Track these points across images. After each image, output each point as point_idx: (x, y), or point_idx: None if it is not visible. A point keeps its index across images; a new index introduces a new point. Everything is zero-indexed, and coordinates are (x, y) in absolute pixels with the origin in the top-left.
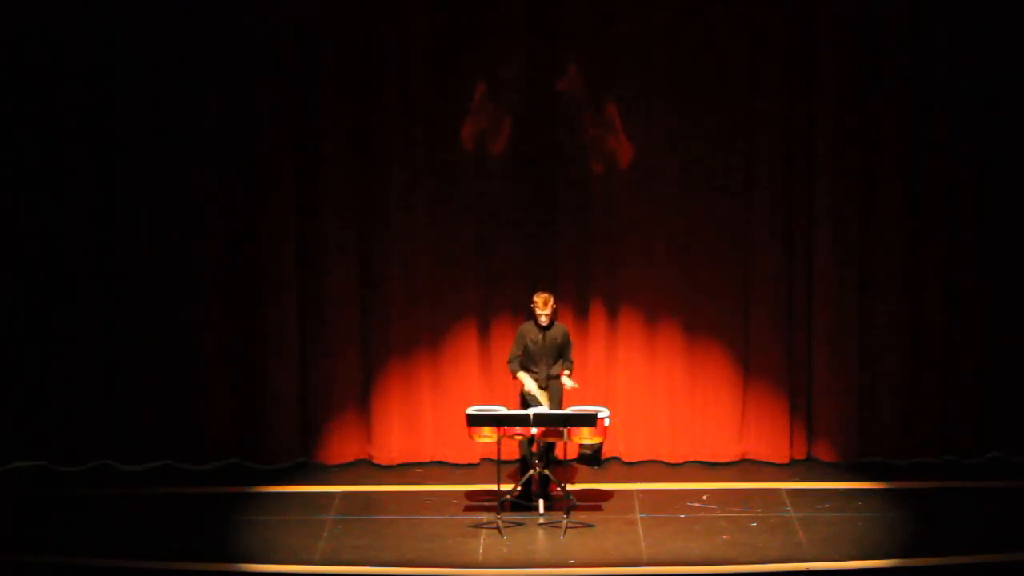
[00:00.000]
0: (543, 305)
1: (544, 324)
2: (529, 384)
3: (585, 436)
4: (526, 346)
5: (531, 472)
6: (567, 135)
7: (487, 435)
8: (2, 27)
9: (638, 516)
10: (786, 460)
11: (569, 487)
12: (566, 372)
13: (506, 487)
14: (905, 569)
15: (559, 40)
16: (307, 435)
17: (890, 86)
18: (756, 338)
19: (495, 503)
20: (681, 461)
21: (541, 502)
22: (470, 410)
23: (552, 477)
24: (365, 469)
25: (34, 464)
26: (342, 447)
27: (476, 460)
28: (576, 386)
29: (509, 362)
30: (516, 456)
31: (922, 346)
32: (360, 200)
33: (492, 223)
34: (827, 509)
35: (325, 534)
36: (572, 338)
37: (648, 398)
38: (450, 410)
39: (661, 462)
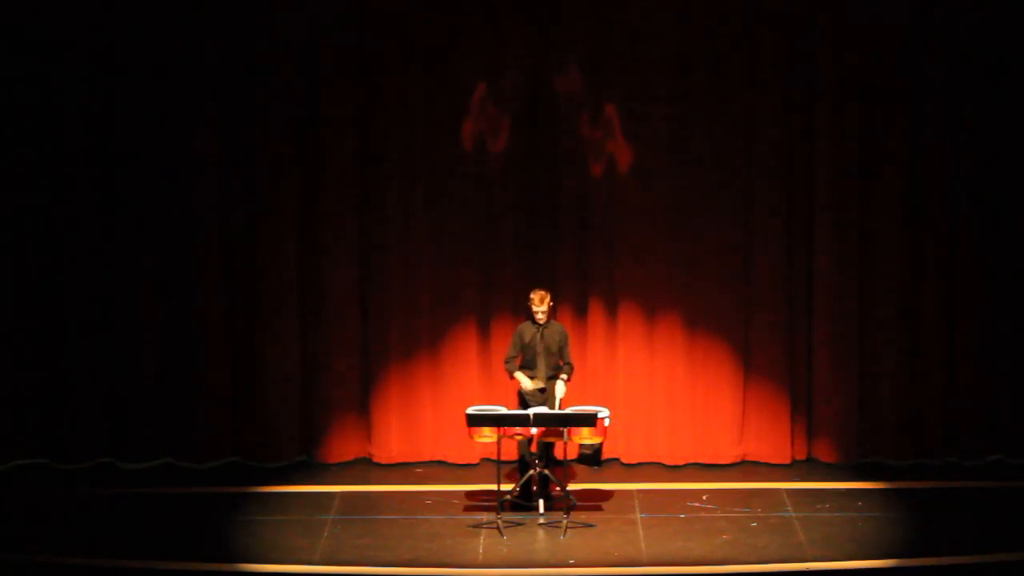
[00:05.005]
0: (539, 302)
1: (541, 321)
2: (525, 382)
3: (585, 436)
4: (523, 346)
5: (531, 472)
6: (566, 135)
7: (487, 435)
8: (4, 28)
9: (638, 516)
10: (787, 461)
11: (569, 487)
12: (563, 377)
13: (506, 487)
14: (905, 569)
15: (559, 41)
16: (307, 434)
17: (890, 86)
18: (756, 338)
19: (495, 503)
20: (681, 463)
21: (541, 502)
22: (470, 410)
23: (552, 477)
24: (365, 468)
25: (34, 462)
26: (342, 446)
27: (476, 460)
28: (562, 395)
29: (506, 362)
30: (516, 456)
31: (923, 347)
32: (360, 200)
33: (492, 223)
34: (827, 509)
35: (325, 534)
36: (572, 338)
37: (648, 399)
38: (450, 410)
39: (661, 464)
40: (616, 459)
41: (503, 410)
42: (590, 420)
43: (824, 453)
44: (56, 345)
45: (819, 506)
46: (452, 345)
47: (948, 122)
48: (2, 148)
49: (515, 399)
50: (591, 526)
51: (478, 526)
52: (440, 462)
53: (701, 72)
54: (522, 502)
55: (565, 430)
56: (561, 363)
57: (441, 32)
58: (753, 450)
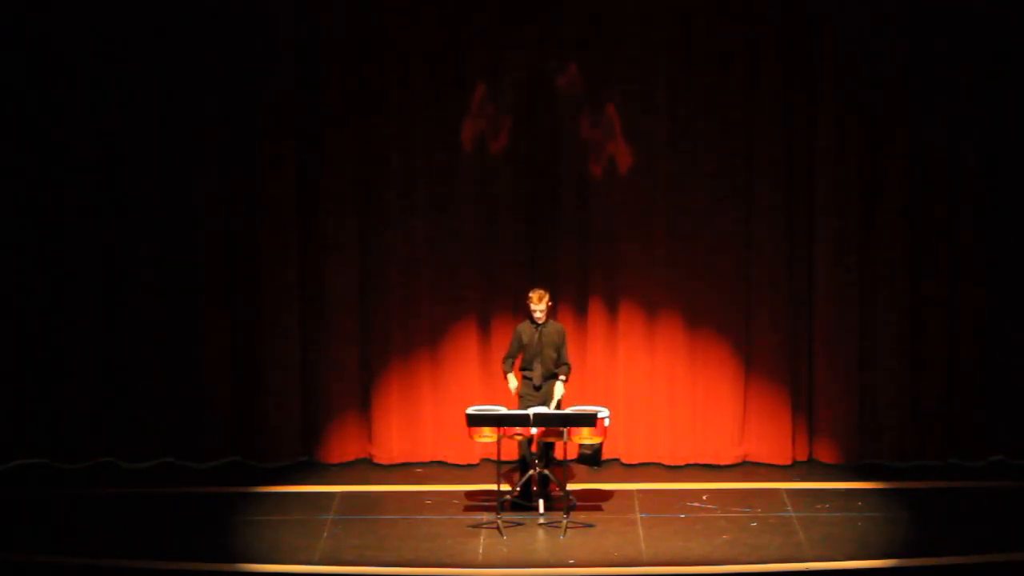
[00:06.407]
0: (537, 300)
1: (539, 321)
2: (511, 384)
3: (585, 436)
4: (521, 345)
5: (531, 472)
6: (567, 136)
7: (487, 435)
8: (3, 26)
9: (638, 516)
10: (788, 461)
11: (569, 487)
12: (561, 377)
13: (506, 487)
14: (905, 569)
15: (559, 41)
16: (308, 434)
17: (890, 86)
18: (757, 339)
19: (495, 503)
20: (682, 463)
21: (541, 502)
22: (470, 410)
23: (552, 477)
24: (365, 469)
25: (35, 462)
26: (342, 446)
27: (476, 460)
28: (561, 396)
29: (503, 361)
30: (516, 456)
31: (923, 347)
32: (360, 200)
33: (492, 223)
34: (827, 509)
35: (325, 534)
36: (571, 338)
37: (648, 399)
38: (450, 410)
39: (661, 464)
40: (616, 459)
41: (503, 410)
42: (590, 420)
43: (825, 454)
44: (57, 345)
45: (819, 506)
46: (452, 345)
47: (950, 123)
48: (3, 150)
49: (515, 399)
50: (591, 526)
51: (478, 526)
52: (440, 462)
53: (702, 72)
54: (522, 502)
55: (565, 430)
56: (560, 364)
57: (442, 32)
58: (754, 451)
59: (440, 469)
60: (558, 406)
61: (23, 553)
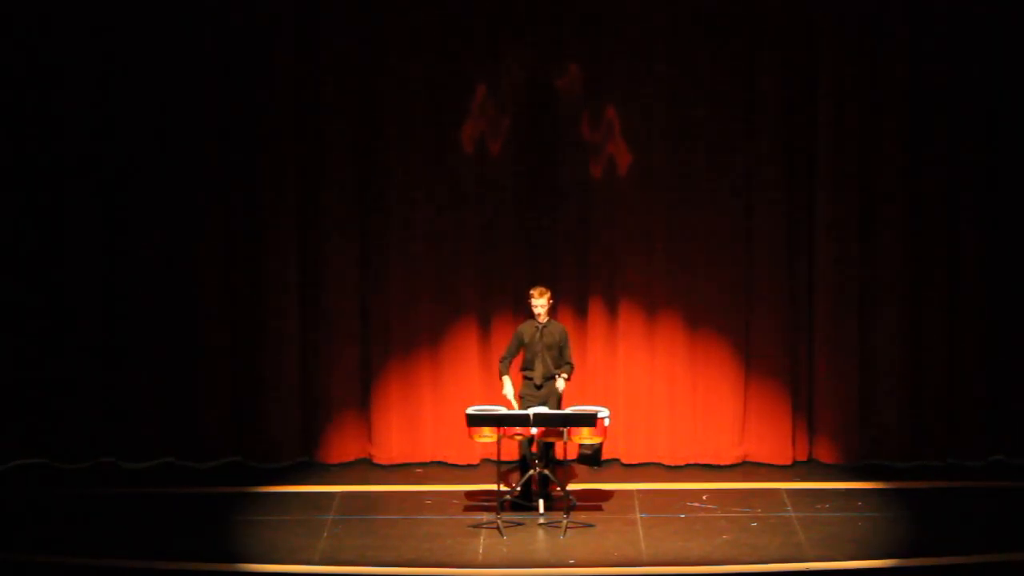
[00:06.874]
0: (539, 296)
1: (540, 317)
2: (507, 390)
3: (585, 436)
4: (523, 345)
5: (531, 472)
6: (567, 136)
7: (487, 435)
8: (4, 32)
9: (638, 516)
10: (788, 462)
11: (569, 487)
12: (563, 376)
13: (506, 487)
14: (905, 569)
15: (559, 43)
16: (308, 434)
17: (891, 86)
18: (757, 339)
19: (495, 503)
20: (682, 463)
21: (541, 502)
22: (470, 410)
23: (552, 477)
24: (365, 469)
25: (35, 462)
26: (342, 446)
27: (476, 460)
28: (562, 390)
29: (500, 361)
30: (516, 456)
31: (924, 348)
32: (361, 201)
33: (492, 223)
34: (827, 509)
35: (325, 534)
36: (572, 338)
37: (648, 399)
38: (450, 410)
39: (661, 464)
40: (616, 459)
41: (503, 410)
42: (590, 420)
43: (825, 454)
44: (56, 345)
45: (819, 506)
46: (452, 345)
47: (949, 122)
48: (3, 151)
49: (508, 401)
50: (591, 526)
51: (478, 526)
52: (440, 462)
53: (701, 73)
54: (522, 502)
55: (565, 430)
56: (563, 363)
57: (442, 32)
58: (754, 451)
59: (440, 469)
60: (560, 398)
61: (23, 553)
